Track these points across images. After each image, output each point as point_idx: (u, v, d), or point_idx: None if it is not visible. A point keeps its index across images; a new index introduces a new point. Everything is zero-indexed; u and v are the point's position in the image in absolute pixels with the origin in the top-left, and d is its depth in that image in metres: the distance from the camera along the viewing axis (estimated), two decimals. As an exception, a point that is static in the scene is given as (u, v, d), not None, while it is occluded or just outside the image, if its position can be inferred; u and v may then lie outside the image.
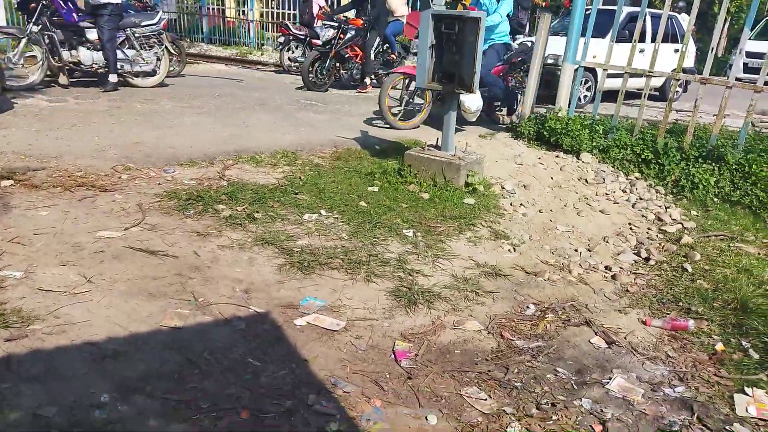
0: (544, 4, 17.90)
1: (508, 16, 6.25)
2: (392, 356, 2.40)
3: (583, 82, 8.42)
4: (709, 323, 2.80)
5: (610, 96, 7.71)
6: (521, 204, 4.40)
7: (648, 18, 9.05)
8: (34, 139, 4.80)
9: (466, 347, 2.53)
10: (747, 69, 12.33)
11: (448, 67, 4.42)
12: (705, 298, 3.02)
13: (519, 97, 6.88)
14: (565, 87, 5.85)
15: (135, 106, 6.35)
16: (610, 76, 5.89)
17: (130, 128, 5.40)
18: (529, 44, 6.93)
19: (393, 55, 9.28)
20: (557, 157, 5.47)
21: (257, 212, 3.71)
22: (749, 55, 12.29)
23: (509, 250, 3.63)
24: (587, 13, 6.00)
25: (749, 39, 13.47)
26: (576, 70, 5.86)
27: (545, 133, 5.73)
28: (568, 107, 5.90)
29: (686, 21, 11.55)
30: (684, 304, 2.98)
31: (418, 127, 6.46)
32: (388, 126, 6.30)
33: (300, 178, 4.48)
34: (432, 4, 4.32)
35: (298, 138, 5.64)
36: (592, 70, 8.39)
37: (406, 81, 6.29)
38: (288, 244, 3.32)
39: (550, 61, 7.83)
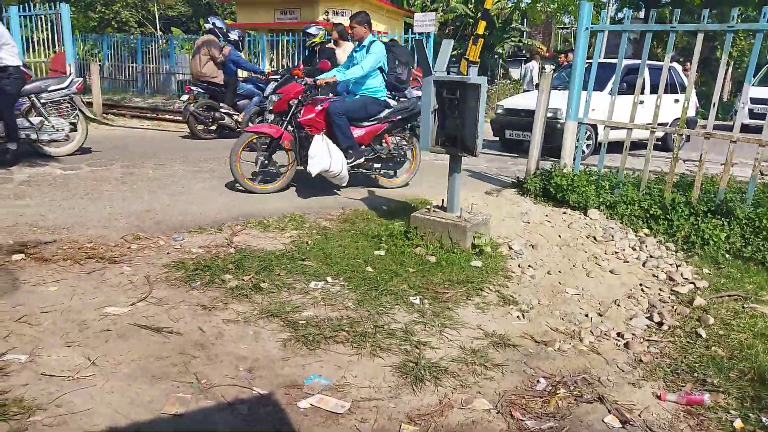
0: (547, 54, 18.30)
1: (383, 70, 6.02)
2: (398, 441, 2.34)
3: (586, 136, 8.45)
4: (725, 396, 2.70)
5: (614, 146, 7.78)
6: (529, 265, 4.36)
7: (646, 70, 9.14)
8: (47, 210, 4.90)
9: (475, 430, 2.46)
10: (752, 114, 12.42)
11: (451, 130, 4.49)
12: (720, 367, 2.93)
13: (409, 154, 6.44)
14: (569, 143, 5.89)
15: (148, 172, 6.49)
16: (612, 128, 5.94)
17: (142, 195, 5.50)
18: (415, 100, 6.36)
19: None
20: (564, 213, 5.46)
21: (264, 281, 3.72)
22: (753, 101, 12.43)
23: (518, 317, 3.58)
24: (586, 66, 6.11)
25: (753, 85, 13.68)
26: (579, 126, 5.92)
27: (551, 189, 5.74)
28: (573, 163, 5.93)
29: (681, 70, 11.78)
30: (699, 375, 2.89)
31: (284, 189, 5.93)
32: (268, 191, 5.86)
33: (307, 242, 4.50)
34: (433, 70, 4.42)
35: (307, 200, 5.70)
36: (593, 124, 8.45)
37: (268, 141, 5.88)
38: (293, 316, 3.30)
39: (549, 114, 7.94)
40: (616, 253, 4.67)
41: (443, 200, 4.83)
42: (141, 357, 2.78)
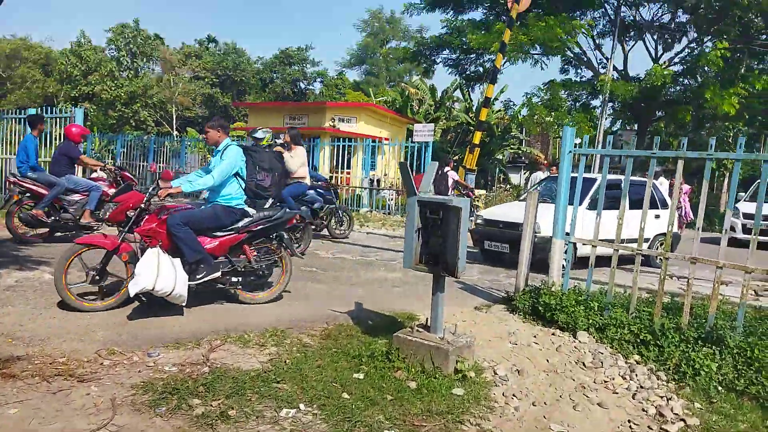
0: (545, 163, 18.88)
1: (240, 176, 5.72)
2: None
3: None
4: None
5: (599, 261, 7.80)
6: (514, 395, 4.20)
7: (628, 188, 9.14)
8: (27, 319, 4.86)
9: None
10: (745, 229, 12.53)
11: (434, 249, 4.52)
12: None
13: (277, 267, 5.98)
14: (556, 261, 5.91)
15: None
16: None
17: (126, 309, 5.45)
18: (284, 209, 6.03)
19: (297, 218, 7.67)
20: (553, 335, 5.35)
21: (233, 408, 3.57)
22: (746, 216, 12.58)
23: (497, 456, 3.39)
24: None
25: (745, 200, 13.92)
26: (566, 244, 5.96)
27: (540, 308, 5.67)
28: (562, 281, 5.91)
29: (664, 185, 12.03)
30: None
31: (118, 307, 5.35)
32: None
33: (285, 361, 4.38)
34: (417, 191, 4.54)
35: (291, 313, 5.64)
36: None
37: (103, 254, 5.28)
38: (258, 451, 3.14)
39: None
40: (606, 382, 4.50)
41: (427, 319, 4.76)
42: (87, 499, 2.61)
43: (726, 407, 4.16)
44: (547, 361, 4.82)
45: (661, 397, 4.27)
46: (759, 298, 7.56)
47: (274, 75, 44.56)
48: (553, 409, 4.02)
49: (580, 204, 8.12)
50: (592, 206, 8.14)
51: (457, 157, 22.65)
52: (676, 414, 4.01)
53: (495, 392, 4.21)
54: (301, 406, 3.72)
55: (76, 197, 8.24)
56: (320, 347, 4.79)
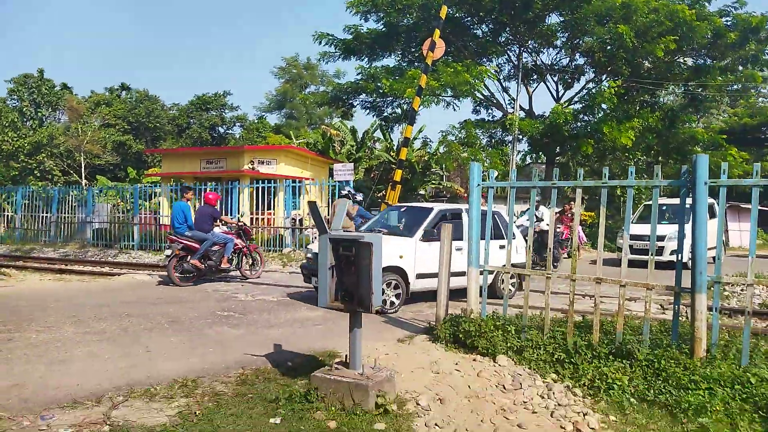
0: (465, 196, 19.51)
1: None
2: None
3: (392, 285, 7.92)
4: None
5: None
6: (436, 424, 4.14)
7: (465, 215, 8.62)
8: None
9: None
10: (633, 250, 13.44)
11: (349, 286, 4.45)
12: None
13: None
14: (473, 289, 6.00)
15: (30, 336, 5.93)
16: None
17: (14, 367, 4.95)
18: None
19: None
20: (474, 360, 5.37)
21: (133, 469, 3.27)
22: (633, 237, 13.67)
23: (419, 490, 3.29)
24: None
25: (633, 222, 15.02)
26: (481, 272, 6.07)
27: (461, 335, 5.71)
28: (480, 308, 5.99)
29: (545, 215, 12.73)
30: None
31: None
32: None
33: (195, 413, 4.10)
34: (328, 228, 4.49)
35: (204, 361, 5.33)
36: (400, 271, 8.00)
37: None
38: None
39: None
40: (525, 402, 4.55)
41: (346, 356, 4.64)
42: None
43: (639, 417, 4.31)
44: (469, 387, 4.81)
45: (578, 413, 4.36)
46: (665, 311, 8.03)
47: (191, 121, 43.55)
48: (475, 435, 4.00)
49: (412, 236, 8.30)
50: (427, 237, 8.25)
51: (381, 194, 22.92)
52: (593, 429, 4.10)
53: (417, 423, 4.14)
54: (212, 459, 3.47)
55: (216, 248, 10.33)
56: (235, 394, 4.53)
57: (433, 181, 30.96)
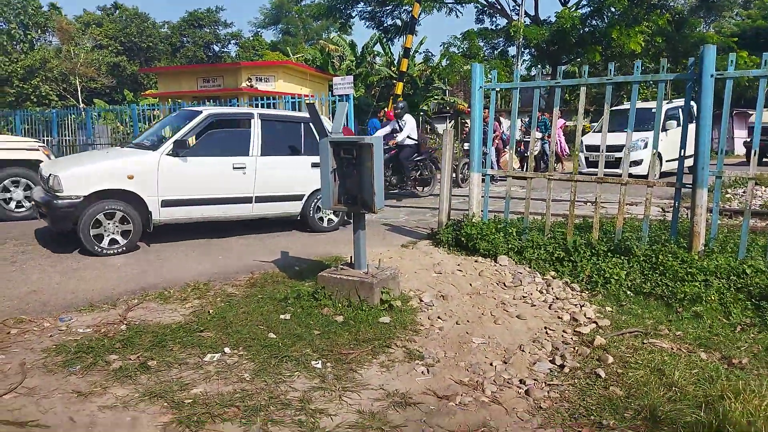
0: (467, 111, 19.14)
1: None
2: None
3: (116, 218, 5.83)
4: (620, 437, 2.69)
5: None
6: (438, 317, 4.32)
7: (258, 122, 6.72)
8: None
9: (364, 501, 2.30)
10: (589, 163, 12.61)
11: (351, 189, 4.48)
12: (616, 408, 2.93)
13: None
14: (476, 193, 6.04)
15: (43, 249, 6.09)
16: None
17: (30, 275, 5.12)
18: None
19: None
20: (476, 262, 5.51)
21: (153, 359, 3.46)
22: (589, 148, 12.70)
23: (423, 372, 3.48)
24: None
25: (593, 132, 14.24)
26: (483, 177, 6.08)
27: (463, 239, 5.82)
28: (482, 212, 6.06)
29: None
30: (596, 418, 2.87)
31: None
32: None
33: (209, 312, 4.28)
34: (328, 132, 4.46)
35: (214, 266, 5.49)
36: (132, 198, 5.88)
37: None
38: (180, 395, 3.07)
39: None
40: (524, 297, 4.71)
41: (351, 257, 4.76)
42: (-7, 459, 2.46)
43: (634, 308, 4.47)
44: (470, 285, 4.97)
45: (575, 305, 4.53)
46: (665, 214, 8.09)
47: (184, 39, 42.15)
48: (476, 325, 4.18)
49: (156, 149, 6.12)
50: (181, 152, 6.11)
51: (382, 112, 22.53)
52: (589, 318, 4.27)
53: (420, 317, 4.31)
54: (226, 350, 3.66)
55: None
56: (245, 295, 4.70)
57: (436, 97, 30.30)
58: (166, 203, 6.10)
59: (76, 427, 2.73)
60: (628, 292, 4.75)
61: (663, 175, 12.02)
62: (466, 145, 11.31)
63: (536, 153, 13.68)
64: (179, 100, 18.52)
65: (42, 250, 6.07)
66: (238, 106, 16.62)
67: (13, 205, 8.07)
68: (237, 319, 4.13)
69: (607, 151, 11.77)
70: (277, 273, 5.31)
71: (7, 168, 8.02)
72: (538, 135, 13.51)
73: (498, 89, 6.31)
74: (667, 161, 12.12)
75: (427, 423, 2.91)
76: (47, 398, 3.00)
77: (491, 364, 3.59)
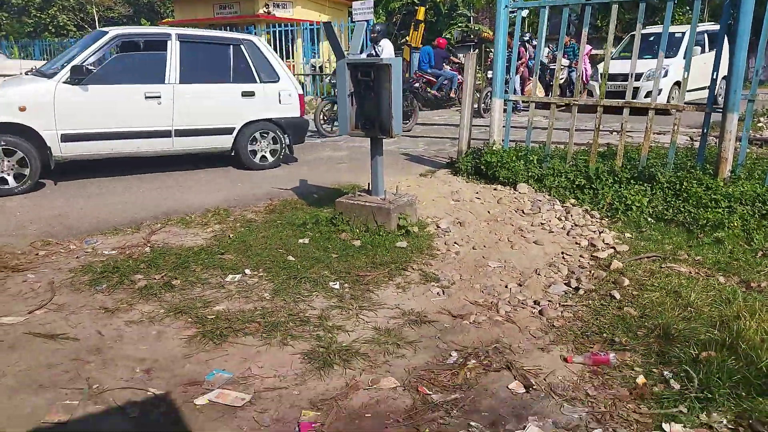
0: (491, 39, 18.38)
1: None
2: (297, 429, 2.26)
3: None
4: (632, 354, 2.72)
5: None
6: (455, 242, 4.34)
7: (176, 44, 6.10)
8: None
9: (379, 409, 2.40)
10: (608, 93, 11.48)
11: (369, 113, 4.41)
12: (629, 326, 2.96)
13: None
14: (497, 120, 5.89)
15: (66, 176, 6.19)
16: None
17: (54, 200, 5.24)
18: None
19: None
20: (495, 190, 5.46)
21: (176, 279, 3.57)
22: (610, 77, 11.44)
23: (438, 293, 3.54)
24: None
25: (612, 59, 13.27)
26: (505, 103, 5.91)
27: (482, 167, 5.74)
28: (503, 140, 5.94)
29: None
30: (608, 335, 2.91)
31: None
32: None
33: (229, 236, 4.36)
34: (346, 53, 4.33)
35: (233, 194, 5.55)
36: (26, 133, 5.36)
37: None
38: (203, 311, 3.18)
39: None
40: (542, 224, 4.68)
41: (368, 184, 4.76)
42: (30, 367, 2.61)
43: (654, 234, 4.42)
44: (489, 212, 4.95)
45: (594, 231, 4.49)
46: (693, 143, 7.84)
47: (200, -35, 40.77)
48: (492, 250, 4.19)
49: (52, 77, 5.50)
50: (81, 79, 5.48)
51: (403, 39, 21.80)
52: (607, 243, 4.24)
53: (437, 242, 4.34)
54: (247, 271, 3.75)
55: (446, 82, 12.54)
56: (264, 221, 4.77)
57: (460, 24, 29.14)
58: (66, 138, 5.50)
59: (104, 340, 2.87)
60: (649, 219, 4.67)
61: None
62: (489, 74, 10.92)
63: (562, 81, 13.18)
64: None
65: (64, 177, 6.18)
66: (255, 33, 16.24)
67: None
68: (257, 243, 4.20)
69: (622, 81, 10.57)
70: (296, 200, 5.36)
71: None
72: (565, 62, 12.96)
73: (525, 13, 6.00)
74: (688, 91, 11.07)
75: (441, 339, 2.98)
76: (76, 314, 3.14)
77: (506, 287, 3.63)
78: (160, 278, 3.58)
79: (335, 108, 7.72)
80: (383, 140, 4.55)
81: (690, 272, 3.71)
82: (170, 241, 4.27)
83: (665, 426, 2.19)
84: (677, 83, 10.74)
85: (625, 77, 9.09)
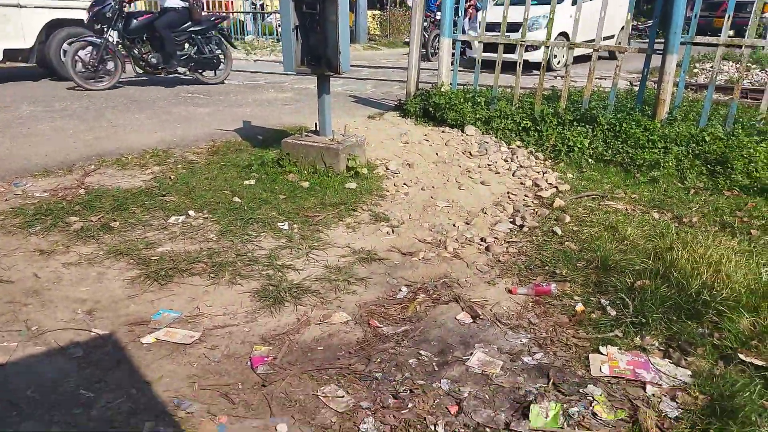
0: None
1: None
2: (248, 363, 2.26)
3: None
4: (571, 284, 2.85)
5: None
6: (404, 183, 4.35)
7: None
8: None
9: (331, 342, 2.43)
10: (487, 47, 10.26)
11: (316, 49, 4.25)
12: (570, 259, 3.09)
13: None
14: (445, 61, 5.83)
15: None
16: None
17: (-25, 141, 4.85)
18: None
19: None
20: (443, 132, 5.47)
21: (115, 221, 3.42)
22: (487, 27, 9.88)
23: (388, 233, 3.56)
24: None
25: (492, 5, 12.55)
26: (453, 43, 5.84)
27: (431, 109, 5.71)
28: (451, 83, 5.90)
29: None
30: (550, 268, 3.03)
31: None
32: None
33: (170, 178, 4.19)
34: (290, -17, 4.11)
35: (171, 135, 5.30)
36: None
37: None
38: (146, 252, 3.08)
39: None
40: (489, 165, 4.75)
41: (316, 124, 4.64)
42: (-41, 311, 2.47)
43: (594, 174, 4.58)
44: (437, 154, 4.96)
45: (538, 172, 4.61)
46: (632, 87, 8.07)
47: None
48: (440, 190, 4.23)
49: None
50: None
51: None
52: (550, 183, 4.36)
53: (386, 184, 4.33)
54: (191, 212, 3.63)
55: None
56: (207, 162, 4.60)
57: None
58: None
59: (41, 282, 2.74)
60: (590, 160, 4.83)
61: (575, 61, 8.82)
62: (437, 15, 10.61)
63: None
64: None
65: (-14, 117, 5.71)
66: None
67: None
68: (200, 185, 4.07)
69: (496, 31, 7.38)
70: (239, 141, 5.20)
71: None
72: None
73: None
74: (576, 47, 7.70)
75: (391, 275, 3.02)
76: (8, 257, 2.97)
77: (454, 225, 3.69)
78: (98, 220, 3.42)
79: (95, 52, 7.18)
80: (330, 78, 4.42)
81: (627, 209, 3.89)
82: (106, 183, 4.06)
83: (602, 349, 2.33)
84: (563, 34, 9.66)
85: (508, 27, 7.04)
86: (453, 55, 5.85)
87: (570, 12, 7.74)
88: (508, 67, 6.18)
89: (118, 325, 2.45)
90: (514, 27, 7.89)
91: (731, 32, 5.34)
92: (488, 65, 6.86)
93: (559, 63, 10.16)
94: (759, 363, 2.09)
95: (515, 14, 7.75)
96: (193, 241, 3.27)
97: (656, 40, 4.90)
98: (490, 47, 6.96)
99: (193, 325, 2.50)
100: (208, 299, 2.70)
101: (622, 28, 5.21)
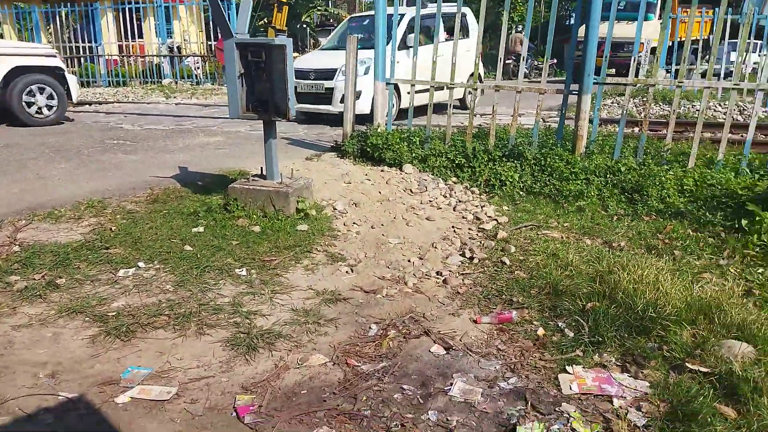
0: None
1: None
2: (234, 414, 2.23)
3: None
4: (529, 310, 3.06)
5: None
6: (354, 222, 4.45)
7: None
8: None
9: (313, 384, 2.45)
10: (300, 95, 9.08)
11: (262, 95, 4.31)
12: (523, 287, 3.31)
13: None
14: (380, 103, 6.08)
15: None
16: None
17: None
18: None
19: None
20: (382, 171, 5.66)
21: (60, 278, 3.25)
22: (300, 74, 8.57)
23: (347, 272, 3.64)
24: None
25: (321, 49, 13.37)
26: (387, 86, 6.11)
27: (368, 149, 5.90)
28: (386, 123, 6.14)
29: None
30: (507, 296, 3.23)
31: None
32: None
33: (111, 229, 4.03)
34: (234, 33, 4.18)
35: (105, 184, 5.10)
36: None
37: None
38: (101, 309, 2.95)
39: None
40: (431, 201, 4.97)
41: (262, 168, 4.67)
42: None
43: (527, 206, 4.92)
44: (380, 192, 5.13)
45: (477, 206, 4.88)
46: (548, 124, 8.75)
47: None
48: (390, 228, 4.37)
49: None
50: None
51: (263, 21, 21.21)
52: (490, 216, 4.64)
53: (336, 224, 4.41)
54: (140, 264, 3.52)
55: None
56: (149, 211, 4.47)
57: (319, 8, 29.12)
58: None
59: (-9, 349, 2.55)
60: (521, 192, 5.19)
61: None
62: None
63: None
64: (22, 5, 16.04)
65: None
66: (100, 9, 14.78)
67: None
68: (145, 235, 3.95)
69: (315, 79, 8.18)
70: (179, 188, 5.06)
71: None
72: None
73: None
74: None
75: (358, 314, 3.09)
76: (-55, 324, 2.74)
77: (409, 261, 3.83)
78: (41, 278, 3.23)
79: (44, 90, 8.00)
80: (276, 122, 4.49)
81: (562, 237, 4.21)
82: (41, 238, 3.84)
83: (568, 368, 2.52)
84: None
85: (321, 74, 8.23)
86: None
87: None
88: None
89: (86, 387, 2.33)
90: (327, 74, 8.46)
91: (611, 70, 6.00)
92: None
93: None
94: (705, 370, 2.36)
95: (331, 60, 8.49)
96: (149, 294, 3.17)
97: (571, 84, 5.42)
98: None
99: (167, 380, 2.43)
100: (177, 352, 2.63)
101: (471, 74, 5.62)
